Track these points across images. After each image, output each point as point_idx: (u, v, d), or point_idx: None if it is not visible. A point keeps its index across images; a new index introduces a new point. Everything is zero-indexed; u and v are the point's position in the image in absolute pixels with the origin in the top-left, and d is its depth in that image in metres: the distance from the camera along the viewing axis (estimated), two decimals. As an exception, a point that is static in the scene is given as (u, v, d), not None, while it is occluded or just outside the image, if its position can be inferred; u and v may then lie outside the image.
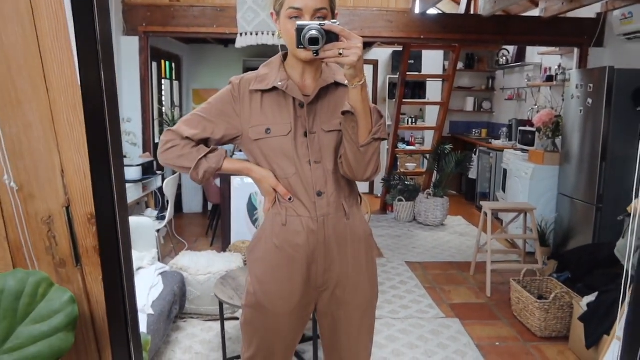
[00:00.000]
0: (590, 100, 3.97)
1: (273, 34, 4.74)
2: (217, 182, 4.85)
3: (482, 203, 4.22)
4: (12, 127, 0.83)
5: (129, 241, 0.77)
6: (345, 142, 1.38)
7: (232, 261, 3.63)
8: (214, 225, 5.16)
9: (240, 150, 4.91)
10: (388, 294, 3.72)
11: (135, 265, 3.03)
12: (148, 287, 2.84)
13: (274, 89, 1.43)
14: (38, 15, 0.77)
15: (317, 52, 1.26)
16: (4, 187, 0.84)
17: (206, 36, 5.34)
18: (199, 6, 4.74)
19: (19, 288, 0.81)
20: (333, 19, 1.43)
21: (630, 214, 2.48)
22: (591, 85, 3.96)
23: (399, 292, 3.76)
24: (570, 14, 4.68)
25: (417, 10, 4.72)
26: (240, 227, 4.39)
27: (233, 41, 4.72)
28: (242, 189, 4.39)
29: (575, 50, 4.99)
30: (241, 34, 4.72)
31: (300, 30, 1.26)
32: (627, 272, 1.51)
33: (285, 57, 1.49)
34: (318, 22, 1.26)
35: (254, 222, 4.35)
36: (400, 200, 5.87)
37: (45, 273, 0.80)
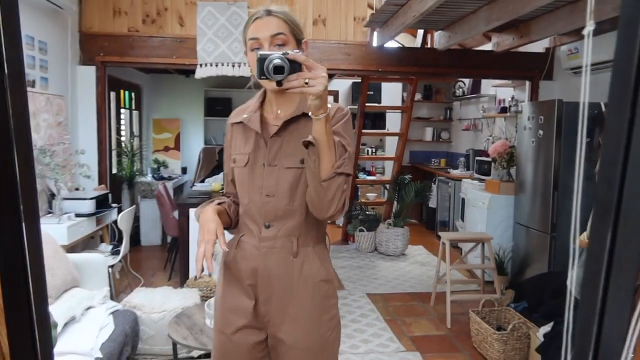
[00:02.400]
0: (541, 132, 4.12)
1: (234, 65, 4.76)
2: (175, 214, 4.74)
3: (440, 233, 4.26)
4: None
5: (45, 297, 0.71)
6: (308, 176, 1.34)
7: (188, 297, 3.51)
8: (172, 258, 5.02)
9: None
10: (349, 327, 3.67)
11: (84, 305, 2.89)
12: (97, 328, 2.71)
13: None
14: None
15: (280, 82, 1.22)
16: None
17: (166, 67, 5.30)
18: (158, 37, 4.71)
19: None
20: (299, 46, 1.44)
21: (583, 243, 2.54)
22: (542, 118, 4.11)
23: (360, 326, 3.71)
24: (521, 49, 4.88)
25: (374, 44, 4.82)
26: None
27: (194, 71, 4.71)
28: (201, 221, 4.29)
29: (527, 83, 5.20)
30: (201, 65, 4.71)
31: (262, 59, 1.21)
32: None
33: None
34: (282, 52, 1.22)
35: (214, 257, 4.25)
36: (361, 231, 5.88)
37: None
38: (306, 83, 1.19)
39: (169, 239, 5.67)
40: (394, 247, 5.67)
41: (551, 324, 2.83)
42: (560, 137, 3.91)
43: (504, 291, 3.95)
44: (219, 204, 1.51)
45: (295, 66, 1.21)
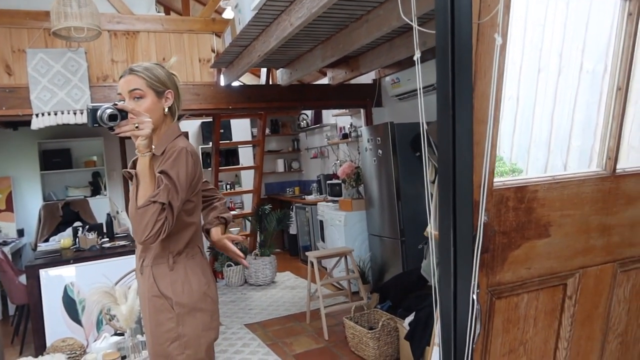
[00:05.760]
0: (380, 151, 4.66)
1: (75, 113, 4.54)
2: (22, 279, 4.30)
3: (307, 253, 4.53)
4: None
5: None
6: (130, 203, 1.52)
7: (55, 363, 3.24)
8: (19, 330, 4.51)
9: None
10: (234, 359, 3.69)
11: None
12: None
13: None
14: None
15: (112, 128, 1.43)
16: None
17: (-7, 119, 4.83)
18: (-18, 88, 4.31)
19: None
20: (160, 97, 1.64)
21: (427, 239, 2.97)
22: (379, 139, 4.66)
23: (244, 355, 3.76)
24: (353, 81, 5.48)
25: (222, 83, 5.01)
26: (57, 325, 3.94)
27: (24, 123, 4.38)
28: (54, 282, 3.97)
29: (362, 110, 5.82)
30: (37, 115, 4.42)
31: (94, 110, 1.40)
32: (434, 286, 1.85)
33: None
34: (112, 103, 1.43)
35: (75, 314, 3.95)
36: (229, 266, 5.91)
37: None
38: (137, 127, 1.43)
39: (10, 311, 5.10)
40: (263, 277, 5.80)
41: (413, 313, 3.22)
42: (397, 154, 4.48)
43: (370, 296, 4.33)
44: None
45: (123, 114, 1.44)
